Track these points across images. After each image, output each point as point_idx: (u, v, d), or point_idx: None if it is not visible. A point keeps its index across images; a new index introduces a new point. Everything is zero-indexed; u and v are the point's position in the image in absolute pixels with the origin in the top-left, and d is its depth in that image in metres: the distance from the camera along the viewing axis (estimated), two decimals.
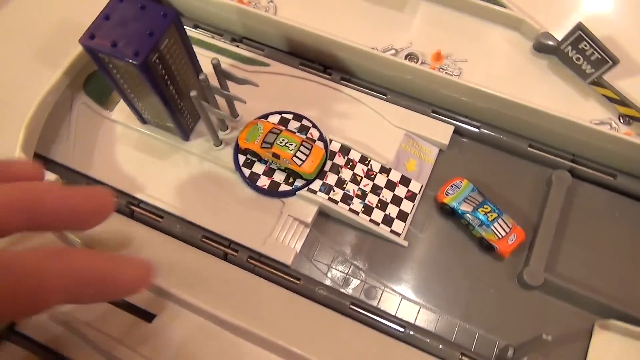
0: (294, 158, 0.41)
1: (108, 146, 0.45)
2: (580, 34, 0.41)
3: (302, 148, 0.41)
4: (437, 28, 0.47)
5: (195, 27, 0.51)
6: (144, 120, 0.45)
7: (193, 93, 0.36)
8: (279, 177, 0.43)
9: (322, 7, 0.48)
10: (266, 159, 0.42)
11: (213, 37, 0.50)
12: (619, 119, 0.43)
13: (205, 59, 0.45)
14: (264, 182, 0.43)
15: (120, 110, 0.46)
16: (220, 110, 0.41)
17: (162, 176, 0.44)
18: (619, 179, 0.44)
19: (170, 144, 0.45)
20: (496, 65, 0.45)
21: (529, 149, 0.45)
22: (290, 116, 0.45)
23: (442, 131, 0.45)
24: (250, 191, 0.43)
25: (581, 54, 0.42)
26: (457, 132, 0.46)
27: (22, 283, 0.21)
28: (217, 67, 0.38)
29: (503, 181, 0.44)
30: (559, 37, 0.43)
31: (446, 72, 0.45)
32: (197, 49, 0.48)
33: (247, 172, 0.43)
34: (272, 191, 0.42)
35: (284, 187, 0.42)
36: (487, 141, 0.46)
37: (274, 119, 0.45)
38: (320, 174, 0.43)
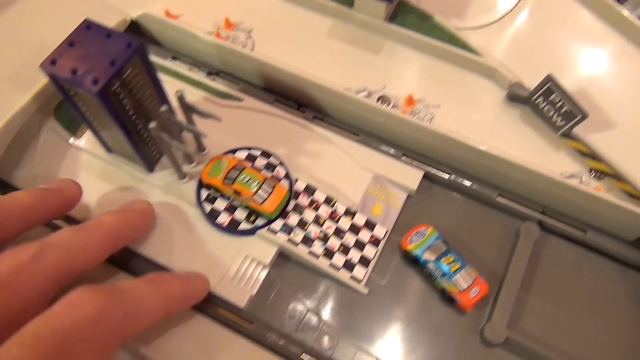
0: (255, 196, 0.40)
1: (72, 174, 0.45)
2: (550, 86, 0.40)
3: (264, 186, 0.40)
4: (412, 72, 0.46)
5: (174, 58, 0.51)
6: (109, 150, 0.44)
7: (152, 125, 0.36)
8: (240, 214, 0.42)
9: (300, 45, 0.48)
10: (228, 196, 0.42)
11: (190, 70, 0.50)
12: (590, 174, 0.42)
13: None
14: (224, 219, 0.42)
15: (87, 139, 0.45)
16: (184, 143, 0.41)
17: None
18: (589, 235, 0.42)
19: (135, 175, 0.44)
20: (469, 112, 0.45)
21: (498, 198, 0.44)
22: (258, 152, 0.45)
23: (411, 176, 0.44)
24: (210, 228, 0.42)
25: (552, 106, 0.41)
26: (427, 177, 0.45)
27: (134, 308, 0.30)
28: (181, 99, 0.38)
29: (471, 230, 0.43)
30: (532, 88, 0.43)
31: (417, 117, 0.44)
32: (171, 80, 0.48)
33: (208, 207, 0.42)
34: (232, 229, 0.41)
35: (244, 226, 0.41)
36: (457, 188, 0.45)
37: (242, 154, 0.45)
38: (283, 213, 0.42)
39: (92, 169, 0.45)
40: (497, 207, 0.44)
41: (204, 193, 0.43)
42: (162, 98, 0.40)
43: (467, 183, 0.44)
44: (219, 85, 0.49)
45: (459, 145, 0.43)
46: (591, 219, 0.43)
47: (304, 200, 0.43)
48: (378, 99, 0.45)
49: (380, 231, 0.43)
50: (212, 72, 0.50)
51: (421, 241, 0.41)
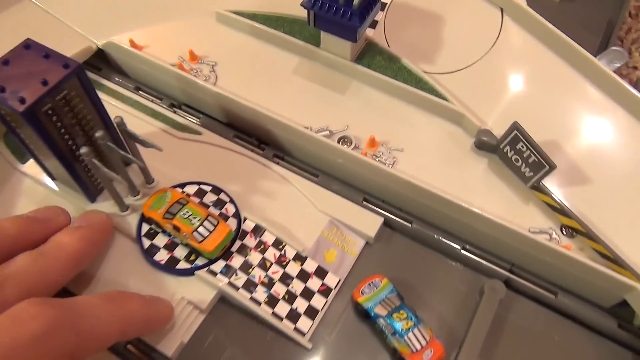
0: (195, 233, 0.37)
1: (11, 200, 0.42)
2: (517, 134, 0.38)
3: (206, 223, 0.38)
4: (376, 114, 0.45)
5: (137, 89, 0.49)
6: (52, 177, 0.42)
7: (83, 150, 0.34)
8: (180, 253, 0.39)
9: (265, 81, 0.47)
10: (169, 232, 0.39)
11: (152, 101, 0.49)
12: (561, 230, 0.39)
13: (138, 121, 0.43)
14: (162, 256, 0.38)
15: (32, 164, 0.43)
16: (126, 173, 0.38)
17: None
18: (561, 298, 0.39)
19: (76, 204, 0.41)
20: (434, 158, 0.43)
21: (462, 251, 0.41)
22: (208, 188, 0.42)
23: (370, 222, 0.41)
24: (146, 265, 0.39)
25: (519, 156, 0.39)
26: (388, 224, 0.42)
27: (87, 327, 0.27)
28: (120, 125, 0.36)
29: (431, 285, 0.40)
30: (500, 136, 0.40)
31: (379, 160, 0.42)
32: (131, 110, 0.47)
33: (147, 243, 0.39)
34: (169, 267, 0.38)
35: (182, 265, 0.38)
36: (419, 238, 0.42)
37: (191, 189, 0.42)
38: (226, 254, 0.39)
39: (34, 195, 0.42)
40: (461, 260, 0.41)
41: (145, 227, 0.40)
42: (105, 124, 0.38)
43: (430, 233, 0.41)
44: (179, 118, 0.47)
45: (421, 192, 0.40)
46: (563, 281, 0.39)
47: (250, 241, 0.40)
48: (339, 140, 0.43)
49: (332, 280, 0.39)
50: (175, 105, 0.49)
51: (373, 293, 0.37)
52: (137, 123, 0.46)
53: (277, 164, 0.45)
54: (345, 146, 0.42)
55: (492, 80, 0.45)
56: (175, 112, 0.48)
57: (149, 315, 0.33)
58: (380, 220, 0.42)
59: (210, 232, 0.37)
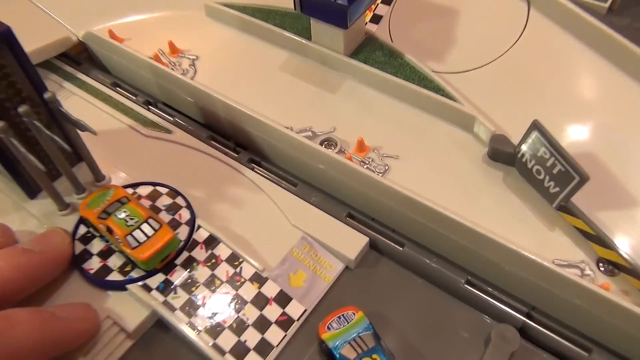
0: (129, 237, 0.30)
1: None
2: (538, 136, 0.30)
3: (144, 226, 0.31)
4: (370, 116, 0.38)
5: (115, 85, 0.45)
6: None
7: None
8: (114, 262, 0.32)
9: (248, 78, 0.41)
10: (104, 234, 0.32)
11: (127, 98, 0.44)
12: (597, 264, 0.30)
13: (106, 116, 0.38)
14: (93, 264, 0.32)
15: None
16: (66, 164, 0.33)
17: None
18: (595, 356, 0.29)
19: (13, 199, 0.36)
20: (436, 169, 0.35)
21: (465, 285, 0.32)
22: (164, 190, 0.36)
23: (353, 242, 0.34)
24: (76, 274, 0.32)
25: (541, 165, 0.31)
26: (374, 246, 0.34)
27: None
28: (52, 103, 0.31)
29: (421, 325, 0.31)
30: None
31: (367, 167, 0.35)
32: (102, 106, 0.42)
33: (79, 248, 0.33)
34: (97, 279, 0.31)
35: (114, 276, 0.31)
36: (411, 265, 0.33)
37: (144, 190, 0.36)
38: (167, 267, 0.32)
39: None
40: (463, 297, 0.32)
41: (82, 230, 0.34)
42: (39, 99, 0.33)
43: (425, 259, 0.33)
44: (151, 115, 0.42)
45: (415, 208, 0.32)
46: (599, 333, 0.29)
47: (200, 253, 0.33)
48: (322, 142, 0.36)
49: (295, 309, 0.31)
50: (151, 103, 0.44)
51: (342, 329, 0.29)
52: (105, 118, 0.42)
53: (252, 169, 0.38)
54: (329, 149, 0.35)
55: (512, 81, 0.37)
56: (149, 109, 0.43)
57: (47, 338, 0.27)
58: (365, 240, 0.34)
59: (148, 238, 0.31)
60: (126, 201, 0.32)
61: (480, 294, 0.31)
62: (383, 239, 0.34)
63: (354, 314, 0.30)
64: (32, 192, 0.36)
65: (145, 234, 0.31)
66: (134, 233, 0.31)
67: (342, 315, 0.30)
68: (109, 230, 0.31)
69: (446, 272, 0.32)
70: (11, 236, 0.32)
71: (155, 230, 0.31)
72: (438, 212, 0.32)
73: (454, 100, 0.36)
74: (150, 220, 0.31)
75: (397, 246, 0.34)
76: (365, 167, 0.35)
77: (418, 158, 0.35)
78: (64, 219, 0.34)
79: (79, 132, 0.34)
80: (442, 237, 0.33)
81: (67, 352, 0.28)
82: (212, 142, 0.40)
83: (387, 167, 0.35)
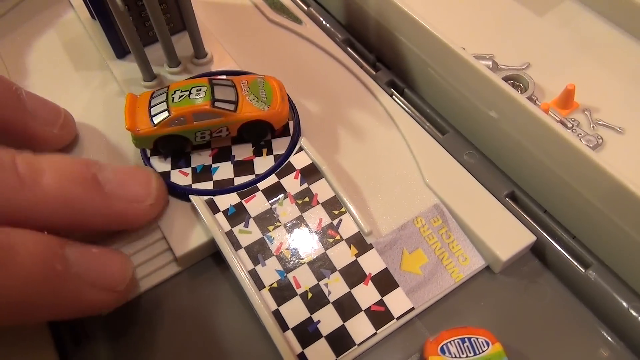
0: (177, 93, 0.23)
1: (42, 25, 0.32)
2: None
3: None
4: (589, 58, 0.25)
5: None
6: (93, 15, 0.31)
7: None
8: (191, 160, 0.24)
9: None
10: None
11: None
12: None
13: None
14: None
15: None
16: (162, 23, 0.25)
17: (72, 90, 0.29)
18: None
19: (101, 55, 0.30)
20: None
21: None
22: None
23: (509, 236, 0.22)
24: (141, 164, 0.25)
25: None
26: (539, 253, 0.23)
27: None
28: None
29: None
30: None
31: (573, 131, 0.22)
32: None
33: None
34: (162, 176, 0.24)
35: (177, 179, 0.24)
36: (595, 301, 0.21)
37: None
38: (246, 191, 0.23)
39: (67, 31, 0.32)
40: None
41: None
42: None
43: (623, 303, 0.21)
44: None
45: (636, 215, 0.20)
46: None
47: (293, 184, 0.23)
48: (508, 79, 0.24)
49: (399, 303, 0.21)
50: None
51: None
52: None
53: (391, 95, 0.28)
54: (515, 90, 0.23)
55: None
56: None
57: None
58: (530, 239, 0.22)
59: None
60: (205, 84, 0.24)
61: None
62: (556, 245, 0.22)
63: (488, 344, 0.19)
64: (121, 50, 0.29)
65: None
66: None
67: (468, 339, 0.19)
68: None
69: None
70: (69, 122, 0.25)
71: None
72: None
73: None
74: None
75: (577, 264, 0.22)
76: (569, 130, 0.22)
77: None
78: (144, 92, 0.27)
79: None
80: None
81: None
82: (349, 48, 0.30)
83: (599, 140, 0.22)
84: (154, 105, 0.23)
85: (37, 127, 0.23)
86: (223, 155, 0.24)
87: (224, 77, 0.25)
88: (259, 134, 0.24)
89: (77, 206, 0.20)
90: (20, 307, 0.17)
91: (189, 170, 0.24)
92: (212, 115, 0.23)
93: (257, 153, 0.24)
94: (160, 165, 0.24)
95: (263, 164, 0.24)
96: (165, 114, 0.22)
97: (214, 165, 0.24)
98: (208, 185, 0.23)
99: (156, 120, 0.23)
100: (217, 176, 0.24)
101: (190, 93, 0.23)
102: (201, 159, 0.24)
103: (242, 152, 0.24)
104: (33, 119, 0.23)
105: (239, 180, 0.23)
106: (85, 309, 0.19)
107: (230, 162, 0.24)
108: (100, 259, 0.20)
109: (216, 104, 0.23)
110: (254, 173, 0.24)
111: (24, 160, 0.19)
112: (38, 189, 0.19)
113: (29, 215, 0.19)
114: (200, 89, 0.23)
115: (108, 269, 0.20)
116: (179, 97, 0.23)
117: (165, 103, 0.23)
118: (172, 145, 0.24)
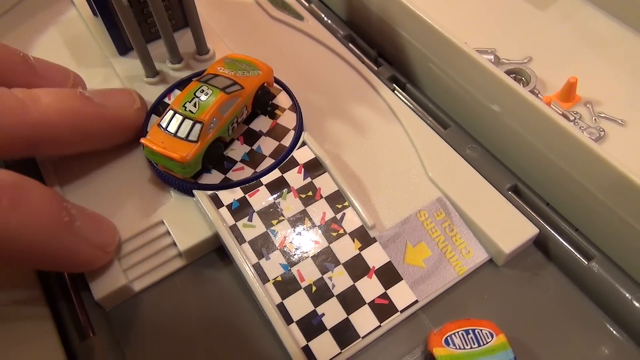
0: (170, 112, 0.23)
1: (45, 22, 0.32)
2: None
3: (187, 122, 0.22)
4: (590, 52, 0.25)
5: None
6: (95, 12, 0.31)
7: None
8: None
9: None
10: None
11: None
12: None
13: None
14: None
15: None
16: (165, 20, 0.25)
17: None
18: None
19: (104, 52, 0.30)
20: None
21: None
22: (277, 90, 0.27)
23: (512, 229, 0.22)
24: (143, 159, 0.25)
25: None
26: (542, 245, 0.23)
27: None
28: None
29: None
30: None
31: (575, 123, 0.22)
32: None
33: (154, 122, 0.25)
34: (164, 174, 0.24)
35: (238, 174, 0.24)
36: (597, 293, 0.21)
37: None
38: (248, 184, 0.23)
39: (68, 28, 0.32)
40: None
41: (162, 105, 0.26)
42: None
43: (626, 294, 0.21)
44: None
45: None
46: None
47: (296, 178, 0.24)
48: (510, 73, 0.25)
49: (403, 296, 0.21)
50: None
51: (469, 353, 0.19)
52: None
53: (393, 90, 0.28)
54: (517, 83, 0.23)
55: None
56: None
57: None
58: (532, 232, 0.22)
59: (173, 135, 0.22)
60: (235, 89, 0.24)
61: None
62: (559, 238, 0.22)
63: (492, 335, 0.19)
64: (123, 47, 0.29)
65: (177, 129, 0.23)
66: (175, 115, 0.23)
67: (472, 330, 0.20)
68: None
69: None
70: (79, 82, 0.26)
71: (184, 139, 0.22)
72: None
73: None
74: (197, 126, 0.22)
75: (580, 256, 0.22)
76: (572, 122, 0.22)
77: None
78: (148, 88, 0.27)
79: None
80: None
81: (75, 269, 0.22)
82: (350, 44, 0.30)
83: (602, 133, 0.22)
84: (179, 129, 0.22)
85: (50, 87, 0.24)
86: (251, 136, 0.25)
87: (199, 76, 0.25)
88: (264, 100, 0.25)
89: (76, 115, 0.22)
90: (24, 249, 0.18)
91: (240, 164, 0.24)
92: (231, 102, 0.23)
93: (272, 116, 0.25)
94: (213, 177, 0.24)
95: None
96: (198, 125, 0.22)
97: (254, 148, 0.24)
98: (210, 179, 0.23)
99: (193, 136, 0.22)
100: (265, 151, 0.24)
101: (196, 98, 0.23)
102: (239, 150, 0.24)
103: (263, 124, 0.25)
104: (44, 81, 0.24)
105: (286, 142, 0.24)
106: (78, 264, 0.21)
107: (264, 136, 0.25)
108: (95, 219, 0.22)
109: (227, 90, 0.23)
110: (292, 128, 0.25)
111: (20, 90, 0.21)
112: (40, 106, 0.21)
113: (38, 130, 0.20)
114: (202, 90, 0.23)
115: (101, 229, 0.21)
116: (194, 106, 0.23)
117: (187, 120, 0.22)
118: (214, 155, 0.23)
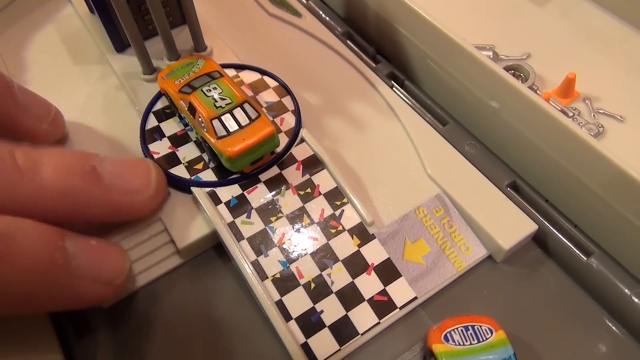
0: (216, 121, 0.22)
1: (42, 20, 0.32)
2: None
3: (237, 111, 0.22)
4: (589, 48, 0.25)
5: None
6: (92, 10, 0.31)
7: None
8: (185, 153, 0.24)
9: None
10: (183, 114, 0.24)
11: None
12: None
13: None
14: (160, 148, 0.24)
15: None
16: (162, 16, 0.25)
17: (71, 85, 0.29)
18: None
19: (101, 49, 0.29)
20: None
21: None
22: (273, 84, 0.27)
23: (511, 225, 0.22)
24: (140, 154, 0.25)
25: None
26: (541, 242, 0.23)
27: None
28: None
29: None
30: None
31: (574, 119, 0.22)
32: None
33: (152, 123, 0.25)
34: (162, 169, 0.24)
35: (179, 171, 0.24)
36: (597, 289, 0.21)
37: (249, 76, 0.27)
38: (248, 180, 0.23)
39: (65, 26, 0.32)
40: None
41: (160, 104, 0.26)
42: None
43: (625, 290, 0.21)
44: None
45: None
46: None
47: (295, 175, 0.24)
48: (508, 69, 0.25)
49: (402, 292, 0.21)
50: None
51: (468, 349, 0.19)
52: None
53: (391, 87, 0.28)
54: (515, 79, 0.23)
55: None
56: None
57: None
58: (531, 228, 0.22)
59: (241, 128, 0.22)
60: (218, 76, 0.24)
61: None
62: (558, 234, 0.22)
63: (491, 332, 0.19)
64: (120, 44, 0.29)
65: (238, 122, 0.22)
66: (223, 117, 0.22)
67: (472, 327, 0.19)
68: (191, 110, 0.23)
69: None
70: (59, 118, 0.25)
71: (251, 120, 0.22)
72: None
73: None
74: (246, 106, 0.23)
75: (579, 252, 0.22)
76: (571, 118, 0.22)
77: None
78: (144, 85, 0.27)
79: None
80: None
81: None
82: (348, 41, 0.30)
83: (600, 129, 0.22)
84: (238, 121, 0.22)
85: (28, 120, 0.23)
86: None
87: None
88: None
89: (77, 198, 0.19)
90: (19, 297, 0.17)
91: None
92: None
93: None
94: (211, 174, 0.23)
95: None
96: (246, 104, 0.22)
97: None
98: (209, 176, 0.23)
99: (252, 114, 0.22)
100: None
101: (212, 97, 0.23)
102: None
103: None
104: (23, 113, 0.23)
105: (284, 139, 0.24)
106: (83, 302, 0.19)
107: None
108: (99, 251, 0.20)
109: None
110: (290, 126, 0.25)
111: (23, 152, 0.19)
112: (38, 180, 0.19)
113: (29, 207, 0.18)
114: (208, 89, 0.23)
115: (106, 262, 0.20)
116: (222, 99, 0.22)
117: (236, 109, 0.22)
118: None
